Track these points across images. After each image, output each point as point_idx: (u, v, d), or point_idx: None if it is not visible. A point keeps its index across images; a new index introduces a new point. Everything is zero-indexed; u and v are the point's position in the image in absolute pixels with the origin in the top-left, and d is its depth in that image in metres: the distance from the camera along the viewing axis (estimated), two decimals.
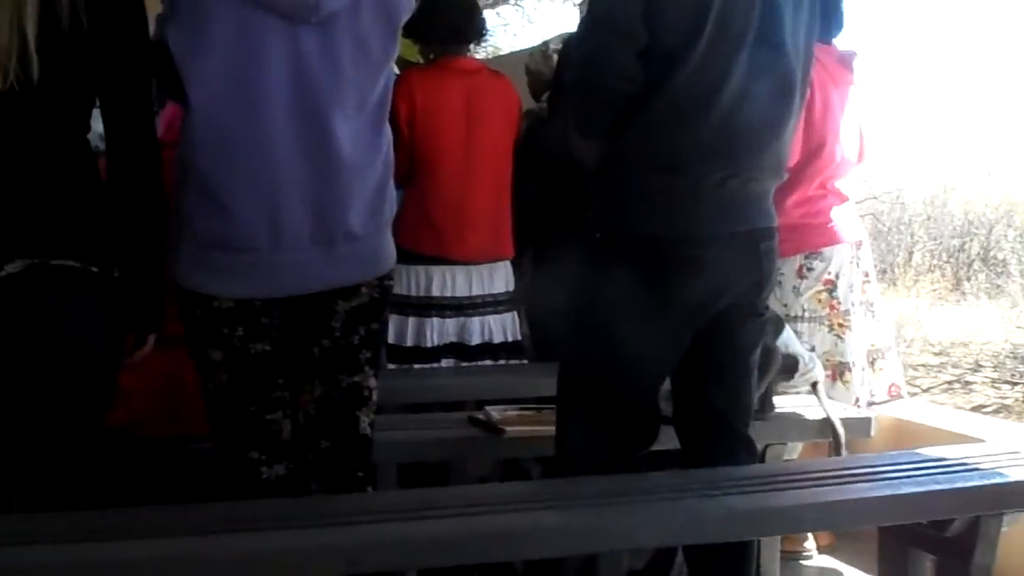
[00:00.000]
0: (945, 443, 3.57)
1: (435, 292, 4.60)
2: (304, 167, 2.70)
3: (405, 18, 2.83)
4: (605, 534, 2.62)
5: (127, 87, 2.65)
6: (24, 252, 2.52)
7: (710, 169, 2.82)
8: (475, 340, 4.65)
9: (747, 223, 2.92)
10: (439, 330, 4.63)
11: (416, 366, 4.59)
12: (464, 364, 4.63)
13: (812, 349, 4.13)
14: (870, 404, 4.38)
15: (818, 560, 4.37)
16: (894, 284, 11.08)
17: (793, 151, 3.44)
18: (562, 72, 4.57)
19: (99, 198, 2.65)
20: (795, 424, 3.77)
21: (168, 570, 2.34)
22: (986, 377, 8.24)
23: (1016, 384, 7.92)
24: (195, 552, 2.38)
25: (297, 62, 2.67)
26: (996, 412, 7.17)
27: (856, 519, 3.08)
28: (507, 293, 4.74)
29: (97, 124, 2.68)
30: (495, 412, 3.64)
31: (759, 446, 3.32)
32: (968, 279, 12.02)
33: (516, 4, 17.33)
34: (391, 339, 4.44)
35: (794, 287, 4.28)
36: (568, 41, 4.64)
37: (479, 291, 4.65)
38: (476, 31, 4.66)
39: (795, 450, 4.29)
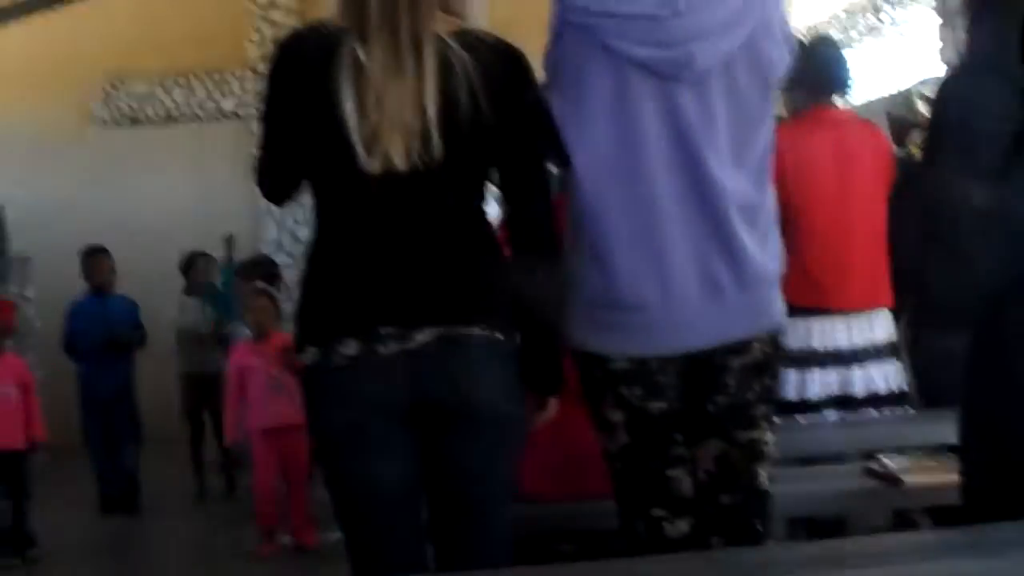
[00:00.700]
0: None
1: (815, 344, 4.56)
2: (688, 223, 2.74)
3: (780, 74, 2.85)
4: None
5: (526, 161, 2.75)
6: (433, 321, 2.63)
7: None
8: (858, 390, 4.59)
9: None
10: (821, 382, 4.59)
11: (800, 418, 4.56)
12: (848, 415, 4.58)
13: None
14: None
15: None
16: None
17: None
18: (939, 116, 4.48)
19: (500, 267, 2.75)
20: None
21: None
22: None
23: None
24: None
25: (675, 120, 2.72)
26: None
27: None
28: (888, 342, 4.65)
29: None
30: (890, 462, 3.58)
31: None
32: None
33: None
34: None
35: None
36: (944, 84, 4.55)
37: (860, 341, 4.58)
38: (845, 82, 4.65)
39: None
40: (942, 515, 3.05)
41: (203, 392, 8.30)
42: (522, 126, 2.70)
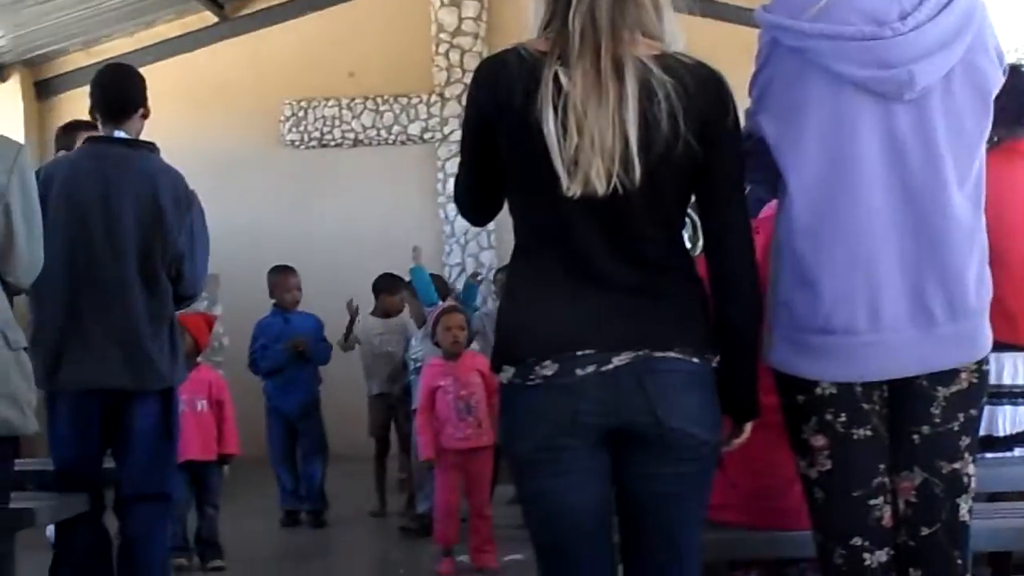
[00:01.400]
0: None
1: (1006, 380, 4.45)
2: (903, 247, 2.72)
3: (996, 91, 2.81)
4: None
5: (726, 186, 2.72)
6: (631, 345, 2.63)
7: None
8: None
9: None
10: (1012, 419, 4.48)
11: (988, 455, 4.45)
12: None
13: None
14: None
15: None
16: None
17: None
18: None
19: (699, 292, 2.74)
20: None
21: None
22: None
23: None
24: None
25: (891, 140, 2.71)
26: None
27: None
28: None
29: None
30: None
31: None
32: None
33: None
34: None
35: None
36: None
37: None
38: None
39: None
40: None
41: (391, 411, 8.40)
42: (723, 151, 2.68)
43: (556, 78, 2.56)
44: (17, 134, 9.81)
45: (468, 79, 2.87)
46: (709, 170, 2.67)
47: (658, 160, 2.58)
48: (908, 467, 2.81)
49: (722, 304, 2.74)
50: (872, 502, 2.80)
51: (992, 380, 4.35)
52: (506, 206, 2.83)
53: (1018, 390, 4.46)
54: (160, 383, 4.65)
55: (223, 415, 6.99)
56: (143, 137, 4.84)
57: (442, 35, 12.26)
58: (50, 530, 5.14)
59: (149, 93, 4.87)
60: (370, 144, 12.52)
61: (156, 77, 11.92)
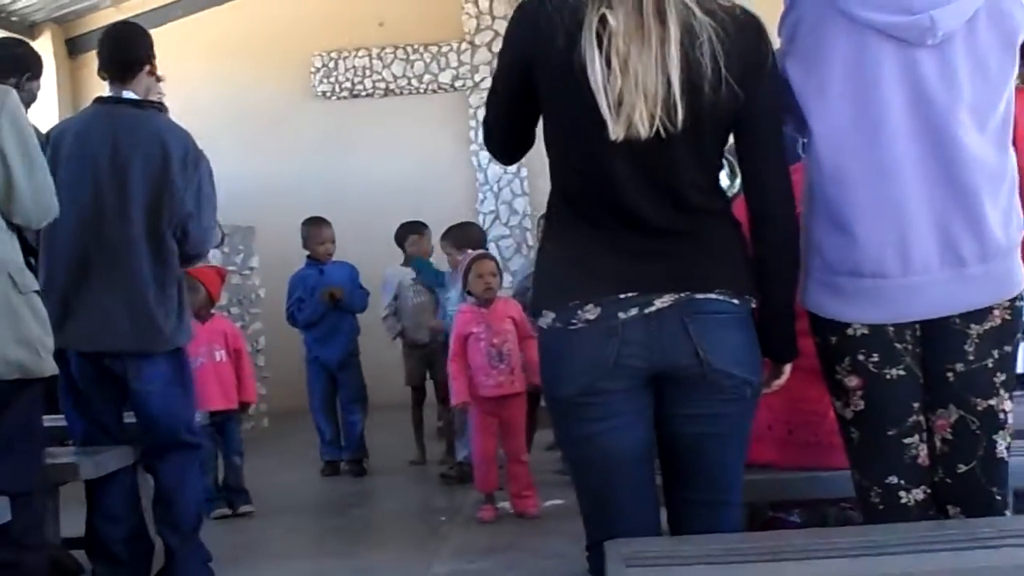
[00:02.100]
0: None
1: None
2: (930, 190, 2.72)
3: (1021, 33, 2.78)
4: None
5: (766, 129, 2.73)
6: (673, 287, 2.64)
7: None
8: None
9: None
10: None
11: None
12: None
13: None
14: None
15: None
16: None
17: None
18: None
19: (738, 233, 2.75)
20: None
21: None
22: None
23: None
24: (844, 573, 2.46)
25: (915, 85, 2.70)
26: None
27: None
28: None
29: None
30: None
31: None
32: None
33: None
34: None
35: None
36: None
37: None
38: None
39: None
40: None
41: (426, 360, 8.43)
42: (763, 94, 2.67)
43: (600, 20, 2.54)
44: (49, 91, 9.85)
45: (498, 26, 2.87)
46: (750, 113, 2.67)
47: (700, 102, 2.57)
48: (943, 405, 2.81)
49: (761, 245, 2.76)
50: (907, 441, 2.81)
51: None
52: (542, 149, 2.81)
53: None
54: (164, 345, 4.69)
55: (240, 363, 7.07)
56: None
57: None
58: None
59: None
60: (401, 94, 12.55)
61: (185, 32, 12.08)
